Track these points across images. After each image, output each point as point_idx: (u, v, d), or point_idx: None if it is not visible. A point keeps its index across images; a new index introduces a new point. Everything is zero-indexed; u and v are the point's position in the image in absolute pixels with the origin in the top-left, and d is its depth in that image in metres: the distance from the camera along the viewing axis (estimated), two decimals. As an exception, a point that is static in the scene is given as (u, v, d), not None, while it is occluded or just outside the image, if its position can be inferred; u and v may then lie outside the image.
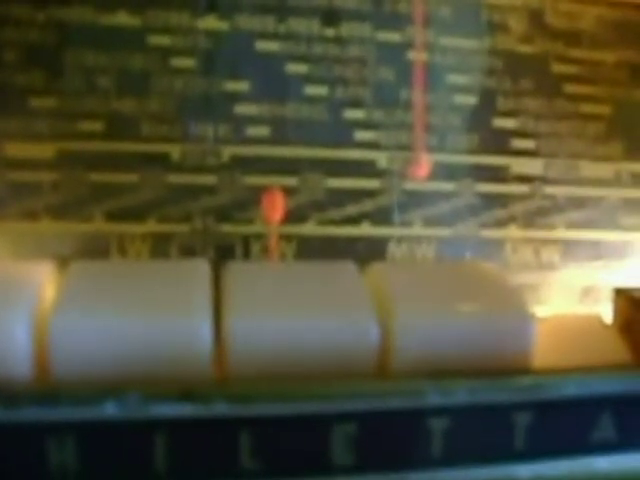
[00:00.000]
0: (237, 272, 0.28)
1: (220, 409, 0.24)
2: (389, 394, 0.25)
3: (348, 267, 0.29)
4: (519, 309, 0.28)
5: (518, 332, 0.28)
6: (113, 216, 0.32)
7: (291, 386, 0.25)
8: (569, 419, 0.27)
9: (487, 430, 0.26)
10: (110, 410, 0.24)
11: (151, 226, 0.33)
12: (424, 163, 0.33)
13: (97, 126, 0.32)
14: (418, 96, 0.34)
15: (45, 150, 0.32)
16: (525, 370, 0.28)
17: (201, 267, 0.28)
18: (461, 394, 0.26)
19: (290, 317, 0.26)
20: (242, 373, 0.26)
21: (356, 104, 0.34)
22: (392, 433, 0.25)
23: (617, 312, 0.31)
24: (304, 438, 0.25)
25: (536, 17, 0.37)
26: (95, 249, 0.32)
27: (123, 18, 0.32)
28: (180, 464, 0.24)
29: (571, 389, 0.27)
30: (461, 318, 0.27)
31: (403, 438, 0.26)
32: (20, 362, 0.24)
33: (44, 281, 0.27)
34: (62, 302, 0.25)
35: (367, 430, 0.25)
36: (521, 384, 0.27)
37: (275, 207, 0.33)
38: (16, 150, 0.32)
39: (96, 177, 0.32)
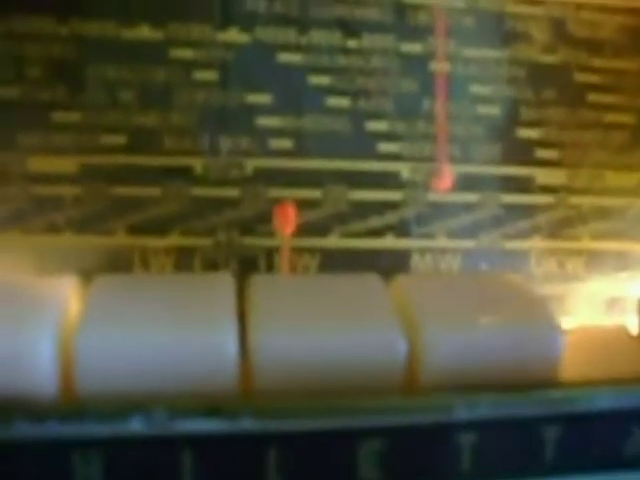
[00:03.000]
0: (262, 285, 0.28)
1: (247, 425, 0.23)
2: (416, 409, 0.24)
3: (373, 279, 0.29)
4: (547, 321, 0.27)
5: (546, 344, 0.27)
6: (136, 230, 0.32)
7: (318, 401, 0.24)
8: (600, 432, 0.26)
9: (516, 444, 0.25)
10: (136, 426, 0.23)
11: (174, 240, 0.32)
12: (447, 175, 0.33)
13: (120, 140, 0.32)
14: (440, 107, 0.33)
15: (68, 164, 0.31)
16: (554, 383, 0.27)
17: (225, 281, 0.28)
18: (489, 408, 0.25)
19: (316, 331, 0.25)
20: (268, 387, 0.25)
21: (379, 115, 0.34)
22: (420, 448, 0.24)
23: (643, 323, 0.30)
24: (331, 454, 0.24)
25: (558, 26, 0.36)
26: (118, 263, 0.31)
27: (145, 32, 0.32)
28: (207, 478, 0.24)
29: (602, 402, 0.26)
30: (489, 331, 0.26)
31: (431, 453, 0.25)
32: (45, 377, 0.24)
33: (68, 296, 0.26)
34: (87, 317, 0.25)
35: (394, 446, 0.24)
36: (551, 397, 0.26)
37: (287, 220, 0.32)
38: (39, 164, 0.31)
39: (119, 191, 0.32)
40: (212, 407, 0.23)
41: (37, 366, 0.23)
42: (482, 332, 0.26)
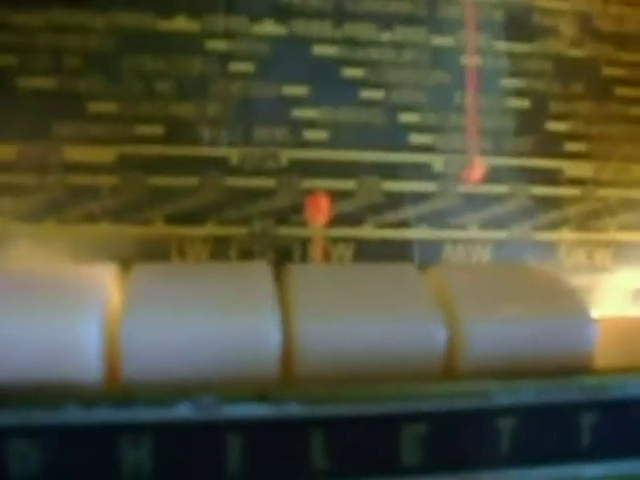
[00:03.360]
0: (299, 274, 0.28)
1: (293, 410, 0.24)
2: (457, 395, 0.25)
3: (408, 269, 0.29)
4: (581, 311, 0.27)
5: (580, 333, 0.27)
6: (173, 219, 0.32)
7: (362, 387, 0.24)
8: (634, 418, 0.27)
9: (553, 430, 0.26)
10: (184, 411, 0.23)
11: (210, 229, 0.32)
12: (478, 166, 0.33)
13: (156, 130, 0.32)
14: (471, 100, 0.33)
15: (105, 154, 0.31)
16: (590, 370, 0.27)
17: (263, 269, 0.28)
18: (528, 394, 0.25)
19: (358, 319, 0.26)
20: (310, 374, 0.25)
21: (411, 108, 0.34)
22: (460, 433, 0.25)
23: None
24: (374, 438, 0.24)
25: (586, 21, 0.36)
26: (154, 252, 0.31)
27: (181, 23, 0.32)
28: (254, 464, 0.24)
29: (636, 388, 0.27)
30: (525, 320, 0.27)
31: (471, 438, 0.25)
32: (91, 363, 0.24)
33: (109, 284, 0.27)
34: (131, 305, 0.25)
35: (436, 430, 0.25)
36: (587, 384, 0.26)
37: (320, 210, 0.32)
38: (76, 154, 0.31)
39: (155, 181, 0.32)
40: (259, 393, 0.23)
41: (83, 352, 0.24)
42: (518, 321, 0.26)
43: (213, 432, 0.23)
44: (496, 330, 0.26)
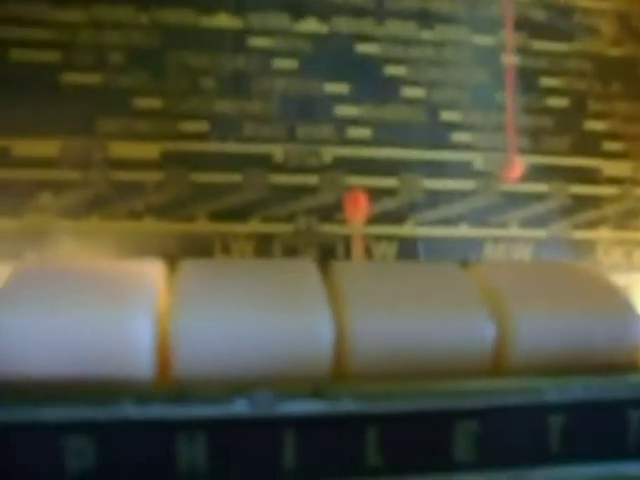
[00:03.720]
0: (345, 271, 0.28)
1: (348, 406, 0.24)
2: (509, 392, 0.25)
3: (452, 266, 0.29)
4: (627, 308, 0.28)
5: (626, 331, 0.27)
6: (217, 216, 0.32)
7: (415, 384, 0.24)
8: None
9: (602, 426, 0.26)
10: (240, 408, 0.23)
11: (254, 226, 0.32)
12: (517, 165, 0.33)
13: (200, 127, 0.32)
14: (510, 99, 0.33)
15: (149, 150, 0.31)
16: (638, 367, 0.27)
17: (309, 266, 0.28)
18: (577, 391, 0.25)
19: (407, 316, 0.26)
20: (361, 371, 0.25)
21: (452, 106, 0.34)
22: (511, 430, 0.25)
23: None
24: (427, 434, 0.24)
25: (625, 20, 0.36)
26: (198, 248, 0.31)
27: (224, 20, 0.32)
28: (308, 460, 0.24)
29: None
30: (572, 316, 0.27)
31: (522, 434, 0.25)
32: (144, 359, 0.24)
33: (158, 279, 0.26)
34: (182, 300, 0.25)
35: (488, 427, 0.25)
36: (635, 381, 0.26)
37: (358, 208, 0.32)
38: (121, 150, 0.31)
39: (199, 177, 0.31)
40: (314, 390, 0.23)
41: (136, 347, 0.23)
42: (566, 317, 0.26)
43: (268, 429, 0.23)
44: (544, 326, 0.26)
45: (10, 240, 0.30)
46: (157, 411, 0.22)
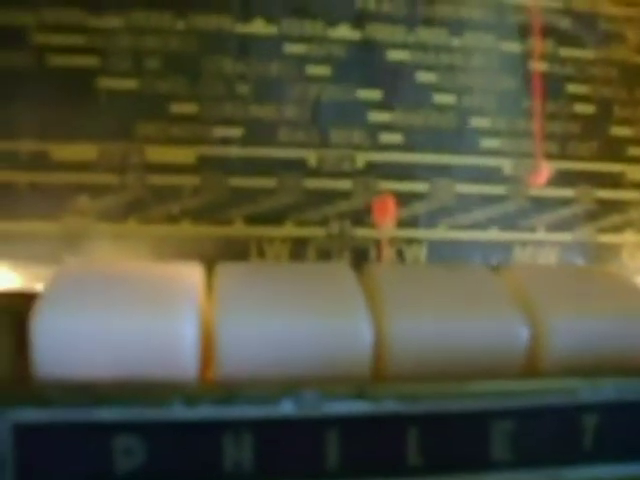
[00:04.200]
0: (380, 274, 0.28)
1: (390, 407, 0.24)
2: (544, 392, 0.25)
3: (482, 269, 0.30)
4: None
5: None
6: (252, 220, 0.32)
7: (453, 385, 0.25)
8: None
9: (634, 426, 0.26)
10: (287, 408, 0.24)
11: (289, 230, 0.32)
12: (543, 170, 0.34)
13: (236, 132, 0.32)
14: (537, 105, 0.34)
15: (186, 155, 0.32)
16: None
17: (345, 270, 0.28)
18: (610, 391, 0.26)
19: (444, 318, 0.26)
20: (400, 372, 0.26)
21: (481, 112, 0.34)
22: (546, 429, 0.25)
23: None
24: (465, 434, 0.25)
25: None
26: (234, 252, 0.32)
27: (260, 27, 0.32)
28: (351, 459, 0.24)
29: None
30: (604, 318, 0.27)
31: (556, 434, 0.25)
32: (188, 360, 0.24)
33: (199, 282, 0.27)
34: (225, 304, 0.25)
35: (523, 426, 0.25)
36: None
37: (386, 212, 0.33)
38: (158, 155, 0.31)
39: (235, 181, 0.32)
40: (358, 390, 0.24)
41: (181, 349, 0.24)
42: (598, 319, 0.27)
43: (314, 428, 0.23)
44: (575, 328, 0.26)
45: (49, 243, 0.30)
46: (205, 412, 0.23)
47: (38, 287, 0.25)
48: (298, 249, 0.32)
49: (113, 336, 0.24)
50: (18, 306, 0.25)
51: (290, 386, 0.23)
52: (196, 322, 0.24)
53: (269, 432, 0.23)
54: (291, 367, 0.24)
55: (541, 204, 0.35)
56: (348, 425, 0.24)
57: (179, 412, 0.23)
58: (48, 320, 0.23)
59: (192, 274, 0.27)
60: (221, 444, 0.23)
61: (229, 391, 0.23)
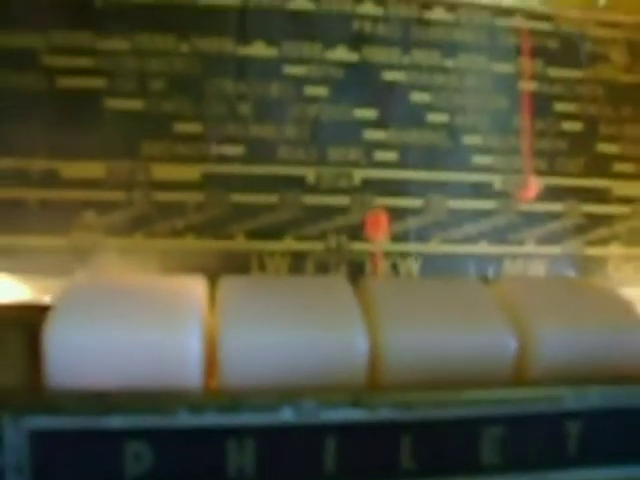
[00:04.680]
0: (376, 287, 0.29)
1: (385, 414, 0.26)
2: (531, 400, 0.27)
3: (474, 282, 0.31)
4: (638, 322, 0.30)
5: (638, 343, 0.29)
6: (253, 234, 0.33)
7: (445, 393, 0.26)
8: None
9: (617, 432, 0.28)
10: (287, 416, 0.25)
11: (289, 244, 0.34)
12: (532, 186, 0.35)
13: (238, 150, 0.33)
14: (527, 123, 0.35)
15: (190, 172, 0.33)
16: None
17: (342, 283, 0.29)
18: (594, 399, 0.27)
19: (436, 330, 0.27)
20: (394, 381, 0.27)
21: (473, 130, 0.36)
22: (534, 435, 0.27)
23: None
24: (456, 440, 0.26)
25: (634, 49, 0.38)
26: (236, 265, 0.33)
27: (260, 49, 0.33)
28: (348, 464, 0.25)
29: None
30: (590, 330, 0.29)
31: (543, 440, 0.27)
32: (193, 370, 0.26)
33: (202, 294, 0.28)
34: (227, 316, 0.26)
35: (512, 432, 0.26)
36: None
37: (379, 227, 0.34)
38: (163, 172, 0.33)
39: (237, 198, 0.33)
40: (355, 399, 0.25)
41: (186, 359, 0.25)
42: (583, 331, 0.28)
43: (312, 435, 0.25)
44: (562, 339, 0.28)
45: (58, 257, 0.32)
46: (209, 419, 0.24)
47: (48, 299, 0.27)
48: (297, 263, 0.34)
49: (122, 348, 0.25)
50: (30, 318, 0.26)
51: (290, 395, 0.25)
52: (200, 334, 0.25)
53: (270, 438, 0.25)
54: (291, 377, 0.26)
55: (530, 218, 0.36)
56: (345, 432, 0.25)
57: (185, 419, 0.24)
58: (60, 333, 0.25)
59: (196, 287, 0.28)
60: (225, 450, 0.24)
61: (232, 400, 0.24)
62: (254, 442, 0.24)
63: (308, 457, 0.25)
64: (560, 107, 0.37)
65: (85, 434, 0.23)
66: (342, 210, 0.34)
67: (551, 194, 0.37)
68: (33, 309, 0.27)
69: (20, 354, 0.26)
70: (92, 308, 0.26)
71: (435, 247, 0.35)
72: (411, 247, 0.35)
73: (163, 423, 0.24)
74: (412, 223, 0.35)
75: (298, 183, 0.34)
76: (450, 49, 0.36)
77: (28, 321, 0.26)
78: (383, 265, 0.34)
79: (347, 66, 0.34)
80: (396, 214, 0.35)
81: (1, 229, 0.31)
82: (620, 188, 0.38)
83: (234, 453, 0.24)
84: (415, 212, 0.35)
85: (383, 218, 0.34)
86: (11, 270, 0.31)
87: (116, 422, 0.23)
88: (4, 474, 0.23)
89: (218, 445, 0.24)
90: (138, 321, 0.25)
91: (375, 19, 0.35)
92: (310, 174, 0.34)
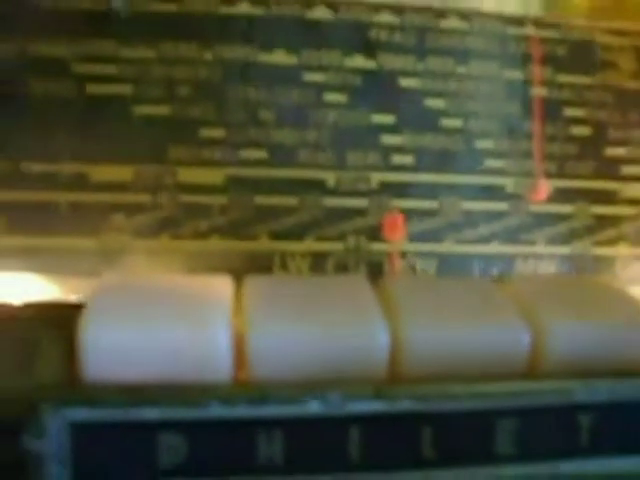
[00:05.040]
0: (395, 286, 0.31)
1: (405, 406, 0.27)
2: (543, 393, 0.28)
3: (487, 281, 0.32)
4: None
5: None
6: (276, 235, 0.35)
7: (463, 386, 0.27)
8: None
9: (626, 424, 0.29)
10: (313, 408, 0.26)
11: (309, 245, 0.35)
12: (542, 188, 0.37)
13: (260, 154, 0.35)
14: (537, 127, 0.37)
15: (214, 176, 0.34)
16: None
17: (362, 282, 0.31)
18: (604, 392, 0.28)
19: (454, 326, 0.29)
20: (414, 375, 0.28)
21: (486, 135, 0.37)
22: (545, 427, 0.28)
23: None
24: (473, 431, 0.27)
25: (641, 56, 0.39)
26: (259, 265, 0.34)
27: (281, 57, 0.35)
28: (371, 454, 0.26)
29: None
30: (600, 326, 0.30)
31: (554, 431, 0.28)
32: (222, 365, 0.27)
33: (229, 293, 0.30)
34: (254, 314, 0.27)
35: (525, 424, 0.28)
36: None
37: (395, 228, 0.36)
38: (189, 176, 0.34)
39: (260, 200, 0.35)
40: (377, 391, 0.26)
41: (216, 355, 0.26)
42: (594, 326, 0.29)
43: (337, 426, 0.26)
44: (574, 334, 0.29)
45: (88, 258, 0.33)
46: (240, 411, 0.25)
47: (79, 298, 0.28)
48: (318, 262, 0.35)
49: (154, 344, 0.26)
50: (64, 316, 0.28)
51: (316, 388, 0.26)
52: (229, 330, 0.27)
53: (297, 429, 0.26)
54: (316, 370, 0.27)
55: (541, 219, 0.38)
56: (368, 423, 0.26)
57: (216, 411, 0.25)
58: (95, 330, 0.26)
59: (223, 286, 0.29)
60: (254, 440, 0.26)
61: (261, 392, 0.26)
62: (282, 432, 0.26)
63: (334, 447, 0.26)
64: (569, 112, 0.38)
65: (121, 425, 0.25)
66: (361, 212, 0.36)
67: (561, 196, 0.38)
68: (66, 308, 0.28)
69: (56, 350, 0.27)
70: (124, 306, 0.27)
71: (449, 247, 0.36)
72: (427, 247, 0.36)
73: (195, 415, 0.25)
74: (428, 224, 0.36)
75: (318, 186, 0.35)
76: (463, 56, 0.37)
77: (62, 319, 0.27)
78: (400, 264, 0.36)
79: (364, 73, 0.36)
80: (412, 216, 0.36)
81: (33, 231, 0.33)
82: (628, 190, 0.39)
83: (263, 443, 0.26)
84: (430, 214, 0.36)
85: (399, 220, 0.35)
86: (43, 270, 0.32)
87: (150, 414, 0.25)
88: (45, 462, 0.24)
89: (248, 436, 0.26)
90: (169, 318, 0.26)
91: (391, 27, 0.36)
92: (330, 177, 0.35)
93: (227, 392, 0.26)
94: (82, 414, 0.25)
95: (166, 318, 0.27)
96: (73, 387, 0.26)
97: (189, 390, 0.25)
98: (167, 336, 0.26)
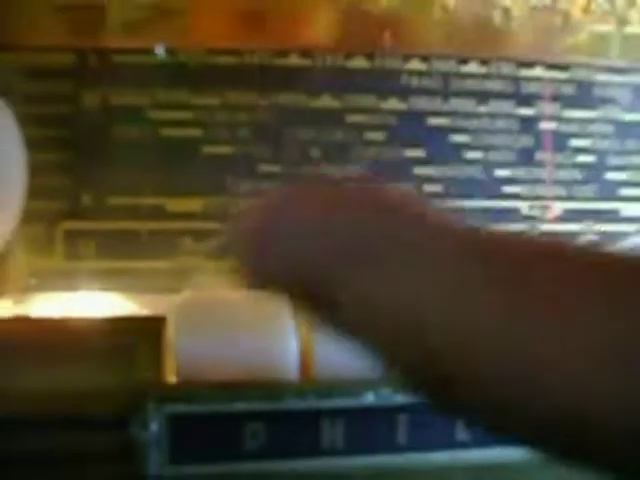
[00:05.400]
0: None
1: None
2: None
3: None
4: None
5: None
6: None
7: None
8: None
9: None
10: (369, 399, 0.31)
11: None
12: (554, 210, 0.42)
13: (310, 186, 0.40)
14: (548, 157, 0.42)
15: (271, 205, 0.39)
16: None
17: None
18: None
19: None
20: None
21: (503, 165, 0.42)
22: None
23: None
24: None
25: (637, 90, 0.44)
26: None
27: (327, 101, 0.40)
28: (415, 437, 0.32)
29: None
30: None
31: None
32: (292, 366, 0.32)
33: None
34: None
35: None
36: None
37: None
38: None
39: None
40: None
41: (286, 358, 0.32)
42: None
43: (388, 415, 0.31)
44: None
45: (164, 277, 0.39)
46: (309, 403, 0.31)
47: (162, 313, 0.33)
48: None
49: (235, 350, 0.31)
50: (151, 327, 0.33)
51: (371, 383, 0.31)
52: (295, 337, 0.32)
53: (356, 418, 0.31)
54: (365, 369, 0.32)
55: (552, 237, 0.42)
56: (412, 411, 0.31)
57: (292, 404, 0.30)
58: (187, 338, 0.31)
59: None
60: (320, 427, 0.31)
61: (326, 387, 0.31)
62: (343, 421, 0.31)
63: (385, 433, 0.31)
64: (575, 143, 0.44)
65: (212, 417, 0.30)
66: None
67: (569, 216, 0.43)
68: (152, 320, 0.33)
69: (147, 355, 0.32)
70: (208, 318, 0.32)
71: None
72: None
73: (273, 406, 0.30)
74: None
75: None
76: (482, 97, 0.42)
77: (150, 329, 0.33)
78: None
79: (398, 114, 0.41)
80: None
81: (117, 255, 0.38)
82: (627, 210, 0.44)
83: (327, 430, 0.31)
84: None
85: None
86: (126, 289, 0.38)
87: (238, 407, 0.30)
88: (148, 449, 0.30)
89: (315, 423, 0.31)
90: (246, 329, 0.32)
91: (420, 73, 0.42)
92: (368, 206, 0.40)
93: (299, 387, 0.31)
94: (179, 408, 0.30)
95: (243, 329, 0.32)
96: (171, 385, 0.31)
97: (269, 386, 0.31)
98: (246, 342, 0.31)
